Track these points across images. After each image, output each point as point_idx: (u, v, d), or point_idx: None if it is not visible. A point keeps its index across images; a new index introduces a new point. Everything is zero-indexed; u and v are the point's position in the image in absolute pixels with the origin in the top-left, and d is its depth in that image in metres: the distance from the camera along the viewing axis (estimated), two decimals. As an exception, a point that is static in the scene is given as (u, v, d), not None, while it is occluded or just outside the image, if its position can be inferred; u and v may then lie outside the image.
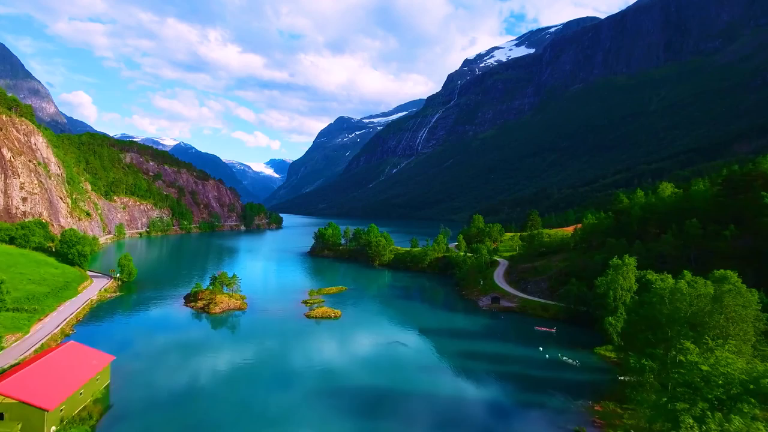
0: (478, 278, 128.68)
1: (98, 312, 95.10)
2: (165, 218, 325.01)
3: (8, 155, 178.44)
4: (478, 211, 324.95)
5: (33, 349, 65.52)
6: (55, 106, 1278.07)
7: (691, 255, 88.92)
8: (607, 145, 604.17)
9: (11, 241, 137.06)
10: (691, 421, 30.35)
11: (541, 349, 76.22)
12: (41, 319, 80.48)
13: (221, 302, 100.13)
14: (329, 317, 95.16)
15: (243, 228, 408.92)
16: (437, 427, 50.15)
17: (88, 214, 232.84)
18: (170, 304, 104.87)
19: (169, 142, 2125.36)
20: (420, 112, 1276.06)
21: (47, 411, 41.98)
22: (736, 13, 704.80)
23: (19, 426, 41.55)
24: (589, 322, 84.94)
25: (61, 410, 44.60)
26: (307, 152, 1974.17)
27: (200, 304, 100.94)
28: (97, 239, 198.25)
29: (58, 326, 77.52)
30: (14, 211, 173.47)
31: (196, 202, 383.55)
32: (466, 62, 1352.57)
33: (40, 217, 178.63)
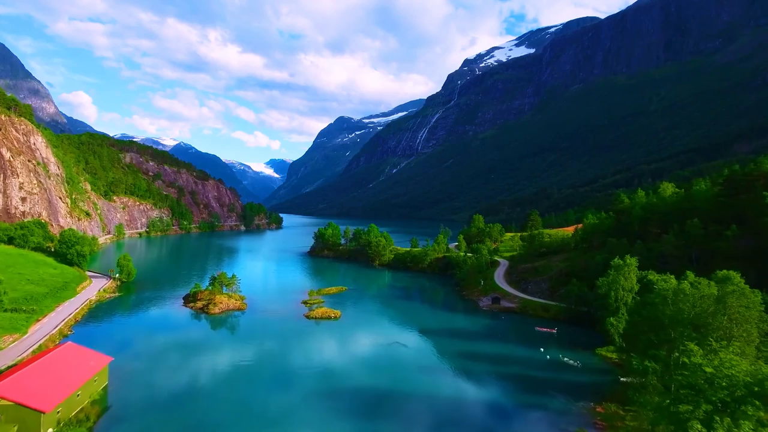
0: (478, 278, 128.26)
1: (97, 312, 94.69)
2: (165, 218, 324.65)
3: (7, 155, 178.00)
4: (478, 211, 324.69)
5: (31, 350, 65.10)
6: (55, 106, 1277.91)
7: (692, 255, 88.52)
8: (607, 145, 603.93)
9: (10, 241, 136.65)
10: (699, 426, 29.90)
11: (542, 349, 75.81)
12: (39, 320, 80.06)
13: (220, 302, 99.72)
14: (329, 318, 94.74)
15: (243, 228, 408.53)
16: (437, 429, 49.80)
17: (87, 214, 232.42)
18: (169, 305, 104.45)
19: (169, 142, 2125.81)
20: (420, 112, 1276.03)
21: (44, 413, 41.57)
22: (736, 13, 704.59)
23: (15, 428, 41.15)
24: (590, 323, 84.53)
25: (58, 412, 44.18)
26: (307, 152, 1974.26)
27: (199, 304, 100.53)
28: (97, 239, 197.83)
29: (57, 327, 77.13)
30: (13, 211, 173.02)
31: (196, 202, 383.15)
32: (466, 62, 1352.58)
33: (39, 217, 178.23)
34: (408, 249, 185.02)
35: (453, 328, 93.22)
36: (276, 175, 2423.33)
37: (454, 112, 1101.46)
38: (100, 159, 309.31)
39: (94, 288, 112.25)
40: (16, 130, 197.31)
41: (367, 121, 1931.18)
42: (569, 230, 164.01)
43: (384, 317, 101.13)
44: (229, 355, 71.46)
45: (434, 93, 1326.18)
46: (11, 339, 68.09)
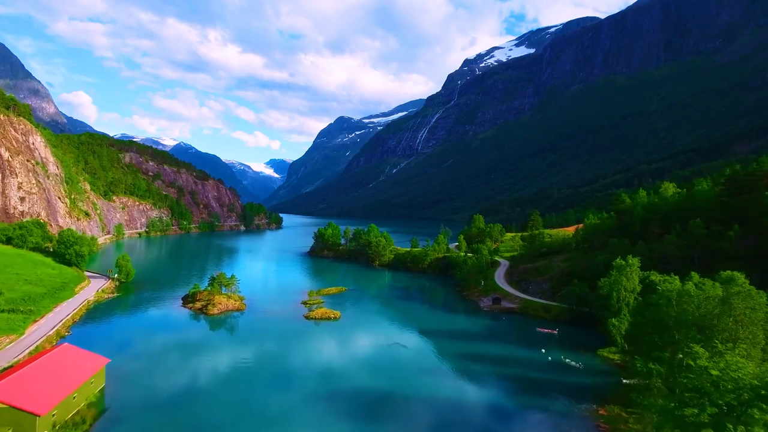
0: (478, 279, 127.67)
1: (95, 313, 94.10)
2: (164, 218, 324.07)
3: (6, 155, 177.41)
4: (478, 211, 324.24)
5: (27, 351, 64.48)
6: (55, 106, 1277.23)
7: (694, 255, 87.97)
8: (607, 145, 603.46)
9: (8, 241, 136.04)
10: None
11: (543, 350, 75.23)
12: (37, 321, 79.46)
13: (219, 303, 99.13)
14: (329, 318, 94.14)
15: (243, 228, 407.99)
16: (437, 430, 49.26)
17: (86, 214, 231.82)
18: (168, 305, 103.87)
19: (169, 142, 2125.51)
20: (420, 112, 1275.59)
21: (39, 416, 40.96)
22: (736, 13, 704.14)
23: (10, 431, 40.53)
24: (592, 324, 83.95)
25: (54, 415, 43.57)
26: (307, 152, 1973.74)
27: (198, 305, 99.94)
28: (96, 239, 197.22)
29: (54, 328, 76.52)
30: (12, 211, 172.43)
31: (196, 202, 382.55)
32: (466, 62, 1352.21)
33: (38, 217, 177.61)
34: (408, 249, 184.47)
35: (453, 328, 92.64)
36: (276, 175, 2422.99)
37: (454, 112, 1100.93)
38: (100, 159, 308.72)
39: (93, 288, 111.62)
40: (14, 130, 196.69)
41: (367, 121, 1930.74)
42: (570, 230, 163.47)
43: (384, 318, 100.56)
44: (228, 356, 70.89)
45: (434, 93, 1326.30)
46: (8, 340, 67.51)
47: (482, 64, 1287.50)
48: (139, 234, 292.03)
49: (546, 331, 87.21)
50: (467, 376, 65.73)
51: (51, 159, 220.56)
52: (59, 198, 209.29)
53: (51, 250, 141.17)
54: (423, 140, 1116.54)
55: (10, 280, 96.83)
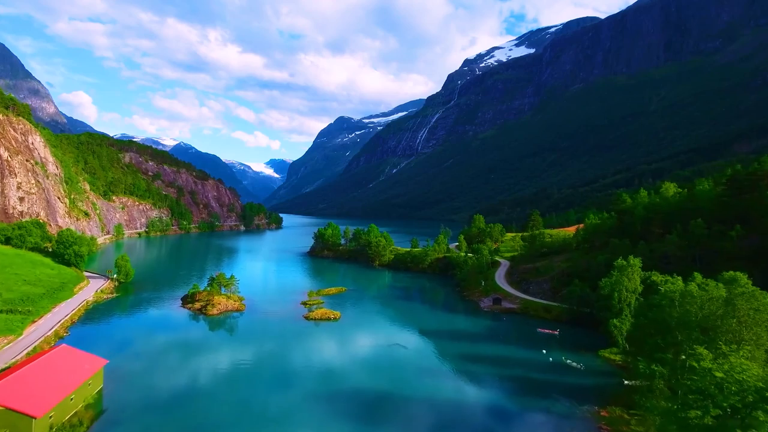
0: (479, 279, 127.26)
1: (94, 314, 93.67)
2: (164, 218, 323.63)
3: (5, 155, 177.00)
4: (478, 211, 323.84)
5: (25, 352, 64.06)
6: (55, 106, 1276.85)
7: (696, 255, 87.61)
8: (607, 145, 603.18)
9: (7, 241, 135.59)
10: None
11: (544, 351, 74.83)
12: (35, 321, 79.02)
13: (219, 303, 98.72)
14: (328, 319, 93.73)
15: (242, 228, 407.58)
16: (438, 431, 48.82)
17: (86, 214, 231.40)
18: (167, 306, 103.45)
19: (169, 142, 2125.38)
20: (420, 112, 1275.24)
21: (35, 418, 40.52)
22: (736, 13, 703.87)
23: (7, 433, 40.17)
24: (593, 324, 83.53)
25: (50, 417, 43.13)
26: (307, 152, 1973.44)
27: (197, 305, 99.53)
28: (95, 239, 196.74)
29: (52, 328, 76.09)
30: (11, 211, 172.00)
31: (196, 202, 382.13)
32: (466, 62, 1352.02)
33: (37, 217, 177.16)
34: (408, 249, 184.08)
35: (454, 329, 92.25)
36: (276, 175, 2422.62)
37: (454, 112, 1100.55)
38: (100, 159, 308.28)
39: (92, 289, 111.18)
40: (14, 130, 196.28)
41: (367, 121, 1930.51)
42: (570, 230, 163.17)
43: (384, 318, 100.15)
44: (228, 357, 70.50)
45: (434, 93, 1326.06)
46: (5, 341, 67.08)
47: (482, 64, 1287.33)
48: (139, 234, 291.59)
49: (547, 331, 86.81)
50: (468, 376, 65.33)
51: (50, 159, 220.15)
52: (58, 198, 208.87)
53: (50, 250, 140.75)
54: (423, 140, 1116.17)
55: (8, 280, 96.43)
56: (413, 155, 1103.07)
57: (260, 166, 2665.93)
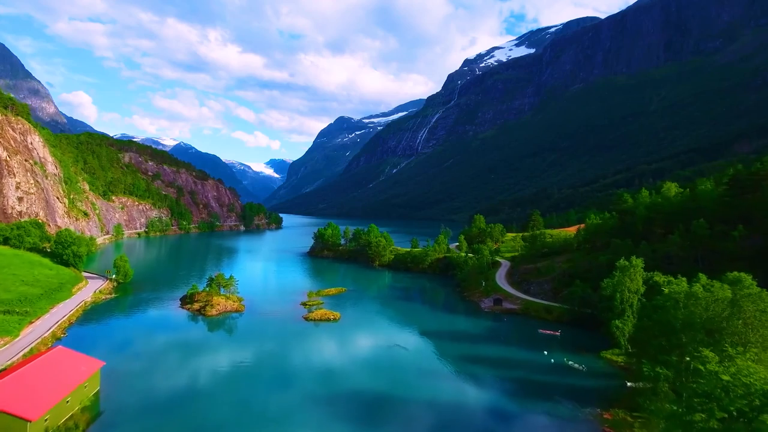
0: (479, 279, 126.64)
1: (92, 314, 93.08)
2: (164, 218, 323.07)
3: (4, 154, 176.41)
4: (478, 211, 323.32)
5: (22, 353, 63.46)
6: (55, 106, 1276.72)
7: (698, 256, 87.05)
8: (608, 145, 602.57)
9: (6, 241, 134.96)
10: None
11: (545, 352, 74.22)
12: (32, 322, 78.43)
13: (218, 304, 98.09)
14: (328, 319, 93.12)
15: (242, 228, 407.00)
16: (439, 434, 48.34)
17: (85, 214, 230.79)
18: (166, 306, 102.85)
19: (169, 142, 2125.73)
20: (420, 112, 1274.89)
21: (30, 421, 39.90)
22: (737, 13, 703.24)
23: (1, 437, 39.57)
24: (594, 325, 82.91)
25: (46, 420, 42.50)
26: (307, 152, 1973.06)
27: (196, 306, 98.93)
28: (95, 239, 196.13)
29: (50, 329, 75.46)
30: (10, 211, 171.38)
31: (195, 202, 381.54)
32: (466, 62, 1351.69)
33: (36, 217, 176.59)
34: (408, 249, 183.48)
35: (454, 330, 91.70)
36: (276, 175, 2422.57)
37: (454, 112, 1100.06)
38: (99, 159, 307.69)
39: (90, 289, 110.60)
40: (12, 130, 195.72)
41: (367, 121, 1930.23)
42: (571, 230, 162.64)
43: (384, 319, 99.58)
44: (227, 358, 69.92)
45: (434, 93, 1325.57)
46: (2, 342, 66.48)
47: (482, 64, 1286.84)
48: (139, 234, 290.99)
49: (548, 332, 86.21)
50: (468, 378, 64.76)
51: (49, 159, 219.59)
52: (58, 198, 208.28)
53: (48, 250, 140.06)
54: (423, 140, 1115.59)
55: (6, 280, 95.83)
56: (413, 155, 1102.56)
57: (260, 166, 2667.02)
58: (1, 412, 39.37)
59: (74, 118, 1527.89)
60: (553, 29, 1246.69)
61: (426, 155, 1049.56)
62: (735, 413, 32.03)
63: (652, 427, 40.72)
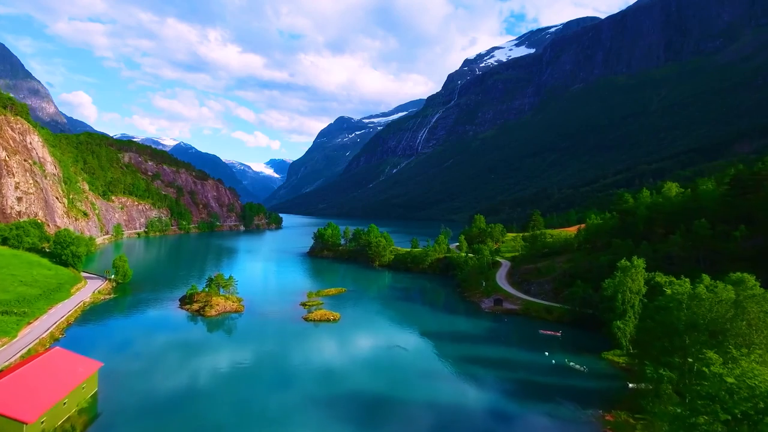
0: (480, 280, 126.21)
1: (91, 315, 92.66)
2: (163, 218, 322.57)
3: (3, 154, 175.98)
4: (478, 211, 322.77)
5: (19, 354, 63.04)
6: (55, 106, 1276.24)
7: (699, 256, 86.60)
8: (608, 145, 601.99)
9: (4, 241, 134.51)
10: None
11: (546, 353, 73.79)
12: (30, 323, 78.01)
13: (217, 304, 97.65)
14: (328, 320, 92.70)
15: (242, 228, 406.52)
16: (439, 436, 47.93)
17: (85, 214, 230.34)
18: (165, 307, 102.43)
19: (169, 142, 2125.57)
20: (420, 112, 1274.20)
21: (26, 424, 39.47)
22: (737, 13, 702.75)
23: (-3, 439, 39.14)
24: (595, 326, 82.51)
25: (42, 422, 42.08)
26: (307, 152, 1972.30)
27: (196, 306, 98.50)
28: (94, 239, 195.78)
29: (48, 330, 75.02)
30: (9, 211, 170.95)
31: (195, 202, 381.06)
32: (466, 62, 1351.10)
33: (35, 217, 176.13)
34: (408, 249, 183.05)
35: (454, 330, 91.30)
36: (276, 175, 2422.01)
37: (454, 112, 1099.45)
38: (99, 159, 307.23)
39: (89, 289, 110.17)
40: (12, 129, 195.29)
41: (367, 121, 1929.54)
42: (571, 230, 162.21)
43: (384, 319, 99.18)
44: (226, 359, 69.51)
45: (434, 93, 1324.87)
46: None
47: (482, 64, 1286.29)
48: (138, 234, 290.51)
49: (549, 333, 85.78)
50: (468, 379, 64.36)
51: (49, 159, 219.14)
52: (57, 198, 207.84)
53: (47, 250, 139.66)
54: (423, 140, 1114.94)
55: (4, 281, 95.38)
56: (413, 155, 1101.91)
57: (260, 166, 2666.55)
58: (-4, 414, 38.97)
59: (74, 118, 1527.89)
60: (553, 29, 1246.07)
61: (426, 155, 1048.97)
62: (740, 416, 31.64)
63: (655, 429, 40.26)
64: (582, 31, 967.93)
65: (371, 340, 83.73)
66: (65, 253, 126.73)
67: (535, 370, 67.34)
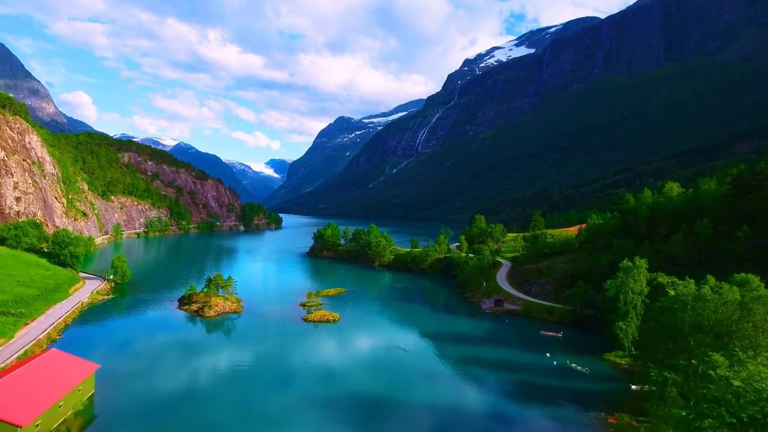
0: (480, 280, 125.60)
1: (89, 315, 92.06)
2: (163, 218, 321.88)
3: (1, 154, 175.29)
4: (478, 211, 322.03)
5: (16, 355, 62.44)
6: (55, 106, 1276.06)
7: (702, 256, 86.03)
8: (608, 145, 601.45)
9: (2, 241, 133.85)
10: None
11: (548, 354, 73.21)
12: (28, 324, 77.40)
13: (216, 305, 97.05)
14: (328, 321, 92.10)
15: (242, 228, 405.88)
16: (439, 438, 47.37)
17: (84, 214, 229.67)
18: (164, 307, 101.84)
19: (169, 142, 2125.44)
20: (420, 112, 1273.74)
21: (20, 427, 38.86)
22: (737, 12, 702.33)
23: (-9, 443, 38.54)
24: (597, 327, 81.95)
25: (37, 425, 41.46)
26: (307, 152, 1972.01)
27: (194, 307, 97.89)
28: (93, 240, 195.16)
29: (45, 331, 74.39)
30: (7, 211, 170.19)
31: (195, 202, 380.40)
32: (466, 62, 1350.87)
33: (34, 217, 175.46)
34: (408, 250, 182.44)
35: (455, 331, 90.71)
36: (276, 175, 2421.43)
37: (455, 112, 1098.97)
38: (98, 159, 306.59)
39: (87, 290, 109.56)
40: (10, 129, 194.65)
41: (367, 121, 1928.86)
42: (572, 230, 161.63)
43: (384, 320, 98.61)
44: (225, 360, 68.94)
45: (434, 93, 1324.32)
46: (-4, 344, 65.44)
47: (482, 64, 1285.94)
48: (138, 234, 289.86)
49: (550, 334, 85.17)
50: (469, 380, 63.78)
51: (48, 158, 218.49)
52: (56, 198, 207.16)
53: (46, 250, 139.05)
54: (423, 140, 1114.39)
55: (2, 281, 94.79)
56: (413, 155, 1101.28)
57: (260, 166, 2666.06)
58: (-10, 417, 38.36)
59: (74, 118, 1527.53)
60: (553, 29, 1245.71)
61: (426, 155, 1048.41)
62: (747, 420, 31.06)
63: (659, 432, 39.71)
64: (582, 31, 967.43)
65: (371, 341, 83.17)
66: (63, 253, 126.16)
67: (536, 372, 66.75)
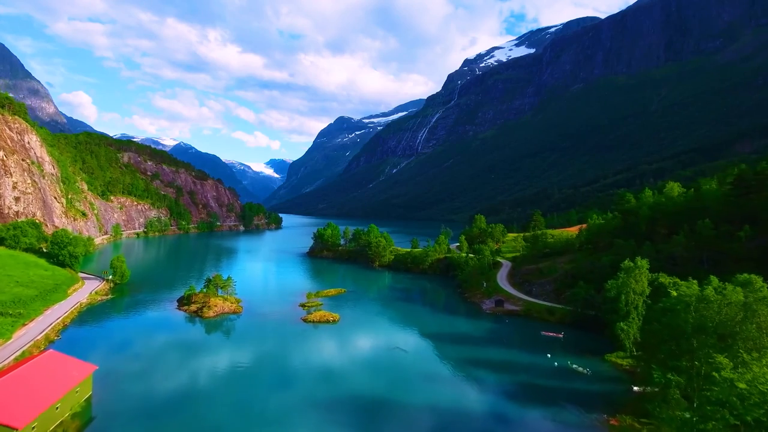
0: (480, 280, 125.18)
1: (87, 316, 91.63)
2: (163, 218, 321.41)
3: (0, 154, 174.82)
4: (478, 211, 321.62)
5: (13, 356, 62.01)
6: (55, 106, 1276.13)
7: (703, 257, 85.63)
8: (608, 145, 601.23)
9: (1, 242, 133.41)
10: None
11: (548, 355, 72.80)
12: (26, 324, 76.97)
13: (215, 305, 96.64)
14: (327, 321, 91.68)
15: (242, 228, 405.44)
16: (440, 440, 46.97)
17: (83, 214, 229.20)
18: (163, 308, 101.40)
19: (169, 142, 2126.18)
20: (420, 112, 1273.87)
21: (16, 429, 38.44)
22: (737, 12, 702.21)
23: (-14, 445, 38.13)
24: (598, 327, 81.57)
25: (33, 427, 41.03)
26: (307, 152, 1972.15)
27: (193, 307, 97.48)
28: (93, 240, 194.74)
29: (43, 332, 73.93)
30: (6, 211, 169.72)
31: (195, 202, 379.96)
32: (466, 62, 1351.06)
33: (33, 217, 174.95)
34: (408, 250, 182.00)
35: (455, 332, 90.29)
36: (276, 175, 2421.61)
37: (455, 112, 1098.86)
38: (98, 158, 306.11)
39: (86, 290, 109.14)
40: (9, 129, 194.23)
41: (367, 121, 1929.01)
42: (572, 230, 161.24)
43: (384, 320, 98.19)
44: (224, 361, 68.52)
45: (434, 93, 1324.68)
46: (-6, 345, 65.02)
47: (482, 64, 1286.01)
48: (137, 234, 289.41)
49: (551, 334, 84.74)
50: (469, 381, 63.39)
51: (47, 158, 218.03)
52: (55, 198, 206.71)
53: (45, 251, 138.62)
54: (423, 140, 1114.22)
55: (0, 282, 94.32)
56: (413, 155, 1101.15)
57: (260, 166, 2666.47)
58: (-15, 420, 37.96)
59: (74, 118, 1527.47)
60: (553, 29, 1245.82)
61: (426, 155, 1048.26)
62: (752, 422, 30.67)
63: (662, 434, 39.29)
64: (582, 31, 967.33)
65: (371, 342, 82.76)
66: (62, 253, 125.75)
67: (537, 373, 66.34)
